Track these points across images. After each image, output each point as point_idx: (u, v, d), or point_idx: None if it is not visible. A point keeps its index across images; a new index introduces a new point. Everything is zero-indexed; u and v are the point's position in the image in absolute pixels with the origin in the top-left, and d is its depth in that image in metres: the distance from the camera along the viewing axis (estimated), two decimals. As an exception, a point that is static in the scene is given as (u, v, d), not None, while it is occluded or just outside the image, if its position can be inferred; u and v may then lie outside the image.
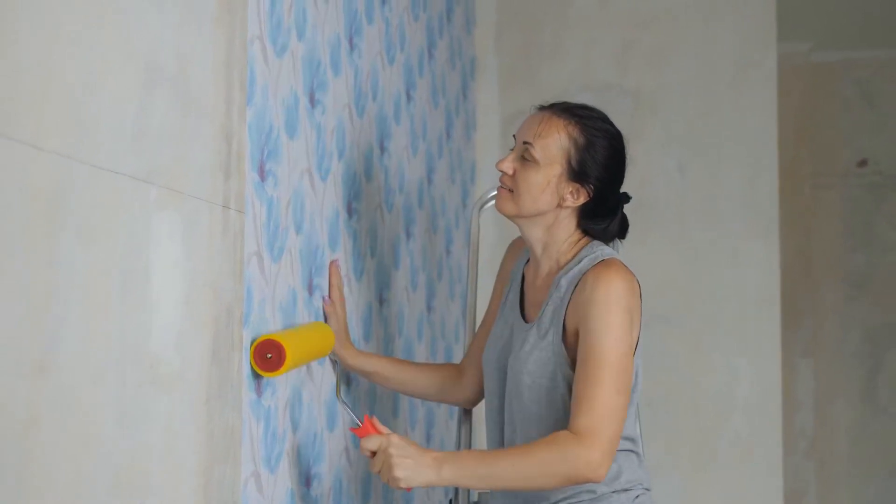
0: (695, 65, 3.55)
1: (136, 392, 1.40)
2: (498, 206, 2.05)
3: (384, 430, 1.87)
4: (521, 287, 2.11)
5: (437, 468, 1.82)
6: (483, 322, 2.26)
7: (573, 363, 1.94)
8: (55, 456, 1.23)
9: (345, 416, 2.15)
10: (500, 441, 2.06)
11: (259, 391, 1.81)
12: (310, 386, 2.04)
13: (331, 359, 2.16)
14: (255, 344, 1.78)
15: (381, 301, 2.50)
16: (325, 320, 2.13)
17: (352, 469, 2.26)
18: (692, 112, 3.54)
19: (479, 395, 2.26)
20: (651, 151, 3.47)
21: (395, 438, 1.83)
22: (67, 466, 1.26)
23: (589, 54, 3.59)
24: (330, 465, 2.14)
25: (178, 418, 1.51)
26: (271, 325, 1.86)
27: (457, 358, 3.18)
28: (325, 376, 2.12)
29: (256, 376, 1.80)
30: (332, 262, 2.16)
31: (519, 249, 2.20)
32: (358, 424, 1.88)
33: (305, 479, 2.01)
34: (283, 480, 1.91)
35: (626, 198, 2.06)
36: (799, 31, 4.74)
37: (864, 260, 5.14)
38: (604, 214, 2.03)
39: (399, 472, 1.80)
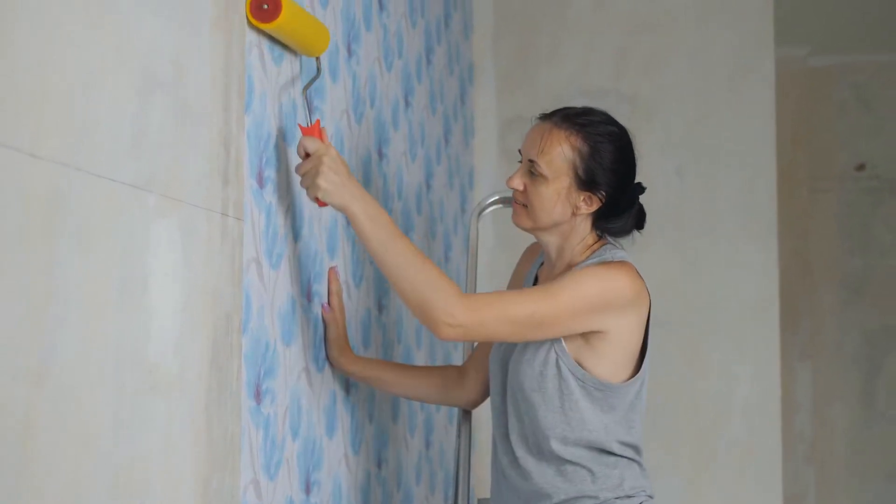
0: (692, 69, 3.55)
1: (135, 399, 1.40)
2: (515, 222, 2.08)
3: (328, 142, 1.88)
4: None
5: (355, 200, 1.86)
6: None
7: (576, 352, 1.96)
8: (53, 463, 1.23)
9: (301, 111, 2.01)
10: (506, 437, 2.07)
11: (258, 398, 1.81)
12: (309, 393, 2.04)
13: (304, 95, 2.01)
14: None
15: (380, 308, 2.50)
16: (325, 327, 2.13)
17: (351, 476, 2.26)
18: (690, 116, 3.54)
19: (482, 396, 2.27)
20: (649, 156, 3.45)
21: (333, 152, 1.86)
22: (65, 473, 1.26)
23: (586, 59, 3.59)
24: (329, 471, 2.14)
25: (176, 425, 1.51)
26: (270, 332, 1.86)
27: (456, 363, 3.18)
28: (325, 383, 2.12)
29: (254, 384, 1.80)
30: (330, 269, 2.16)
31: (534, 253, 2.22)
32: (308, 124, 1.87)
33: (305, 486, 2.01)
34: (283, 488, 1.90)
35: (641, 188, 2.07)
36: (796, 35, 4.75)
37: (861, 263, 5.14)
38: (619, 213, 2.03)
39: (322, 182, 1.84)
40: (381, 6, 2.56)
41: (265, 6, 1.75)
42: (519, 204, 2.06)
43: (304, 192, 2.02)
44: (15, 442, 1.17)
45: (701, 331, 3.48)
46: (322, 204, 1.91)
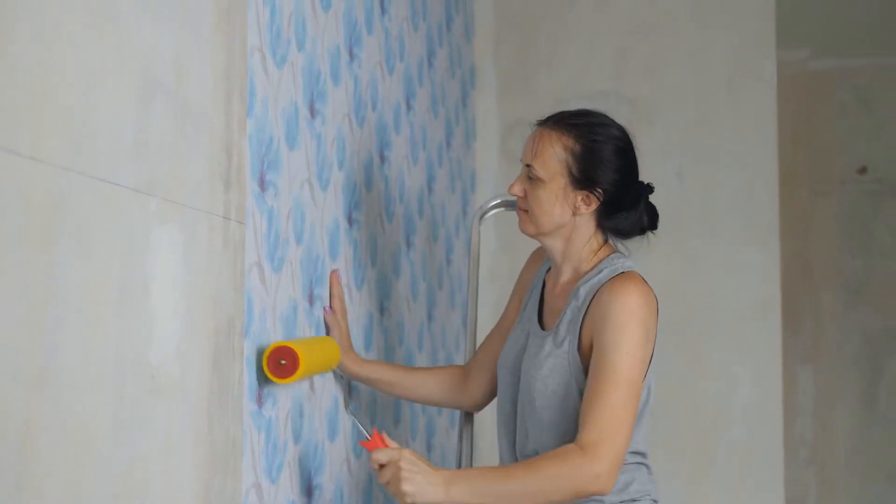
0: (693, 72, 3.55)
1: (135, 402, 1.40)
2: (520, 228, 2.08)
3: (393, 444, 1.89)
4: (541, 294, 2.11)
5: (447, 486, 1.83)
6: (497, 325, 2.26)
7: (587, 373, 1.94)
8: (53, 465, 1.23)
9: (354, 428, 2.16)
10: (512, 448, 2.06)
11: (260, 402, 1.81)
12: (311, 397, 2.04)
13: (336, 372, 2.16)
14: (268, 350, 1.80)
15: (382, 311, 2.50)
16: (327, 330, 2.13)
17: (353, 480, 2.26)
18: (690, 118, 3.54)
19: (486, 399, 2.26)
20: (650, 159, 3.45)
21: (406, 453, 1.85)
22: (66, 477, 1.26)
23: (587, 62, 3.59)
24: (331, 475, 2.13)
25: (177, 428, 1.51)
26: (272, 336, 1.86)
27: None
28: (326, 386, 2.12)
29: (260, 385, 1.80)
30: (332, 272, 2.16)
31: (540, 259, 2.22)
32: (367, 437, 1.90)
33: (307, 489, 2.01)
34: (285, 491, 1.90)
35: (649, 188, 2.06)
36: (797, 37, 4.75)
37: (862, 265, 5.14)
38: (621, 211, 2.03)
39: (408, 487, 1.82)
40: (383, 9, 2.56)
41: (282, 362, 1.81)
42: (522, 210, 2.07)
43: (305, 196, 2.03)
44: (15, 444, 1.17)
45: (701, 332, 3.48)
46: None
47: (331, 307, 2.14)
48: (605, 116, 2.06)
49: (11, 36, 1.17)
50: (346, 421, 2.22)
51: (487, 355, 2.24)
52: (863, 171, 5.16)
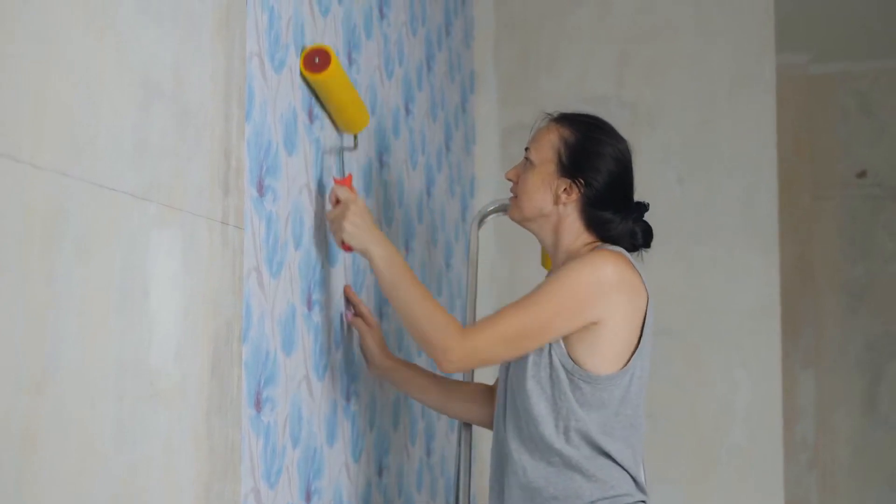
0: (693, 77, 3.55)
1: (135, 408, 1.40)
2: (508, 215, 2.17)
3: (356, 194, 2.06)
4: None
5: (375, 244, 2.03)
6: None
7: (567, 344, 1.98)
8: (54, 472, 1.24)
9: (336, 166, 2.19)
10: (503, 425, 2.08)
11: (258, 406, 1.81)
12: (309, 401, 2.04)
13: (341, 154, 2.20)
14: (306, 50, 1.98)
15: (381, 315, 2.50)
16: (361, 337, 2.23)
17: (352, 484, 2.26)
18: (691, 124, 3.54)
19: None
20: (650, 164, 3.47)
21: (360, 202, 2.04)
22: (66, 483, 1.26)
23: (587, 67, 3.60)
24: (330, 480, 2.14)
25: (177, 434, 1.51)
26: (270, 341, 1.86)
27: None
28: (325, 391, 2.13)
29: (255, 392, 1.80)
30: (345, 287, 2.21)
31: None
32: (342, 176, 2.08)
33: (305, 494, 2.01)
34: (283, 496, 1.91)
35: (643, 207, 2.10)
36: (797, 42, 4.75)
37: (863, 270, 5.15)
38: (604, 209, 2.05)
39: (347, 226, 2.02)
40: (382, 14, 2.57)
41: (317, 59, 1.98)
42: (513, 196, 2.13)
43: (303, 200, 2.03)
44: (16, 450, 1.17)
45: (702, 337, 3.48)
46: (347, 248, 2.06)
47: (355, 313, 2.21)
48: (614, 128, 2.11)
49: (11, 42, 1.17)
50: (345, 425, 2.23)
51: None
52: (862, 175, 5.16)
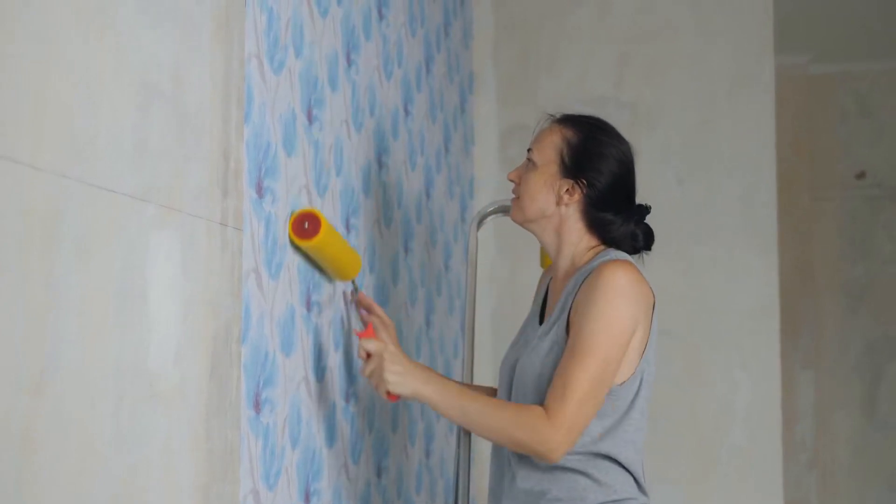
0: (692, 77, 3.55)
1: (134, 410, 1.40)
2: (511, 217, 2.15)
3: (384, 339, 2.02)
4: (545, 297, 2.14)
5: (423, 384, 1.97)
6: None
7: None
8: (53, 473, 1.24)
9: (354, 320, 2.22)
10: None
11: (258, 408, 1.81)
12: (308, 402, 2.04)
13: (351, 289, 2.19)
14: (294, 215, 1.93)
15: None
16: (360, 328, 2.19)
17: (351, 485, 2.26)
18: (690, 125, 3.54)
19: None
20: (649, 164, 3.47)
21: (392, 347, 1.99)
22: (65, 485, 1.26)
23: (587, 67, 3.60)
24: (329, 481, 2.14)
25: (176, 436, 1.51)
26: (269, 342, 1.86)
27: (455, 372, 3.18)
28: (324, 392, 2.13)
29: (254, 393, 1.80)
30: (354, 293, 2.20)
31: (548, 274, 2.23)
32: (363, 328, 2.03)
33: (304, 495, 2.01)
34: (283, 497, 1.91)
35: (644, 209, 2.10)
36: (797, 43, 4.75)
37: (863, 271, 5.15)
38: (606, 210, 2.04)
39: (389, 377, 1.96)
40: (381, 15, 2.57)
41: (306, 224, 1.93)
42: (515, 198, 2.13)
43: (302, 202, 2.03)
44: (16, 451, 1.17)
45: (702, 338, 3.48)
46: (394, 398, 2.01)
47: (365, 310, 2.19)
48: (616, 130, 2.10)
49: (11, 42, 1.17)
50: (344, 426, 2.23)
51: None
52: (861, 175, 5.16)
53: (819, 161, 5.16)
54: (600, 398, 1.93)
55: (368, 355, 1.99)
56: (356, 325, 2.08)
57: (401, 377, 1.96)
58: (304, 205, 2.03)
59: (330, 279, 2.14)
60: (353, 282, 2.16)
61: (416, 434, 2.75)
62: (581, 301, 1.96)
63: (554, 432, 1.90)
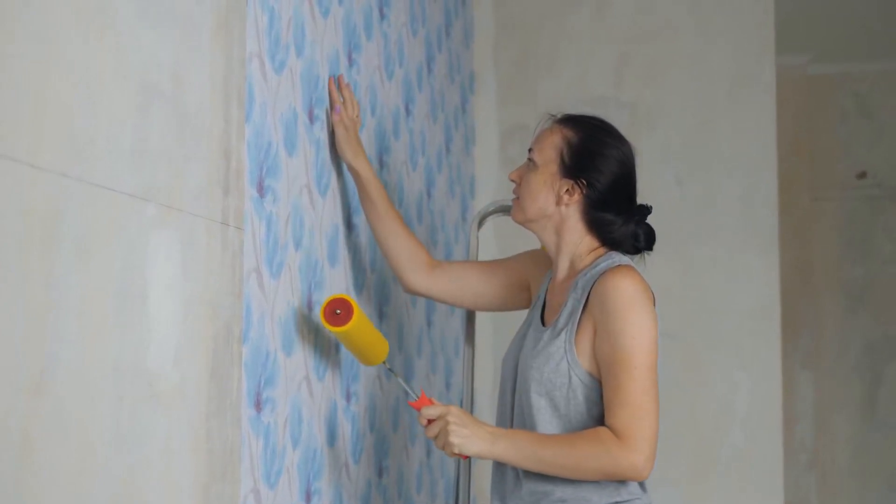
0: (692, 78, 3.55)
1: (134, 409, 1.40)
2: (511, 217, 2.15)
3: (439, 404, 1.99)
4: (544, 295, 2.14)
5: (492, 441, 1.94)
6: (488, 263, 2.29)
7: (587, 363, 1.97)
8: (53, 473, 1.23)
9: (403, 392, 2.21)
10: (509, 425, 2.07)
11: (258, 407, 1.81)
12: (309, 402, 2.04)
13: (385, 367, 2.18)
14: (326, 301, 1.95)
15: (381, 315, 2.50)
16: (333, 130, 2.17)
17: (352, 485, 2.26)
18: (690, 125, 3.54)
19: (429, 293, 2.27)
20: (649, 165, 3.45)
21: (454, 409, 1.96)
22: (65, 485, 1.26)
23: (587, 67, 3.60)
24: (330, 480, 2.14)
25: (176, 436, 1.51)
26: (270, 341, 1.86)
27: (456, 371, 3.18)
28: (325, 392, 2.13)
29: (255, 392, 1.80)
30: (333, 79, 2.18)
31: (545, 263, 2.21)
32: (415, 398, 2.00)
33: (305, 495, 2.01)
34: (283, 497, 1.90)
35: (645, 209, 2.10)
36: (797, 43, 4.75)
37: (863, 272, 5.15)
38: (607, 210, 2.04)
39: (455, 439, 1.93)
40: (382, 15, 2.57)
41: (338, 311, 1.95)
42: (515, 198, 2.13)
43: (303, 201, 2.03)
44: (15, 451, 1.17)
45: (701, 339, 3.48)
46: (465, 457, 2.02)
47: (339, 109, 2.17)
48: (617, 130, 2.10)
49: (11, 42, 1.17)
50: (345, 426, 2.22)
51: (460, 274, 2.26)
52: (861, 176, 5.16)
53: (819, 161, 5.16)
54: (657, 401, 1.95)
55: (430, 421, 1.97)
56: (412, 398, 2.04)
57: (467, 440, 1.94)
58: (305, 207, 2.03)
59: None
60: (384, 363, 2.15)
61: (416, 433, 2.75)
62: (600, 319, 1.96)
63: (630, 453, 1.91)
